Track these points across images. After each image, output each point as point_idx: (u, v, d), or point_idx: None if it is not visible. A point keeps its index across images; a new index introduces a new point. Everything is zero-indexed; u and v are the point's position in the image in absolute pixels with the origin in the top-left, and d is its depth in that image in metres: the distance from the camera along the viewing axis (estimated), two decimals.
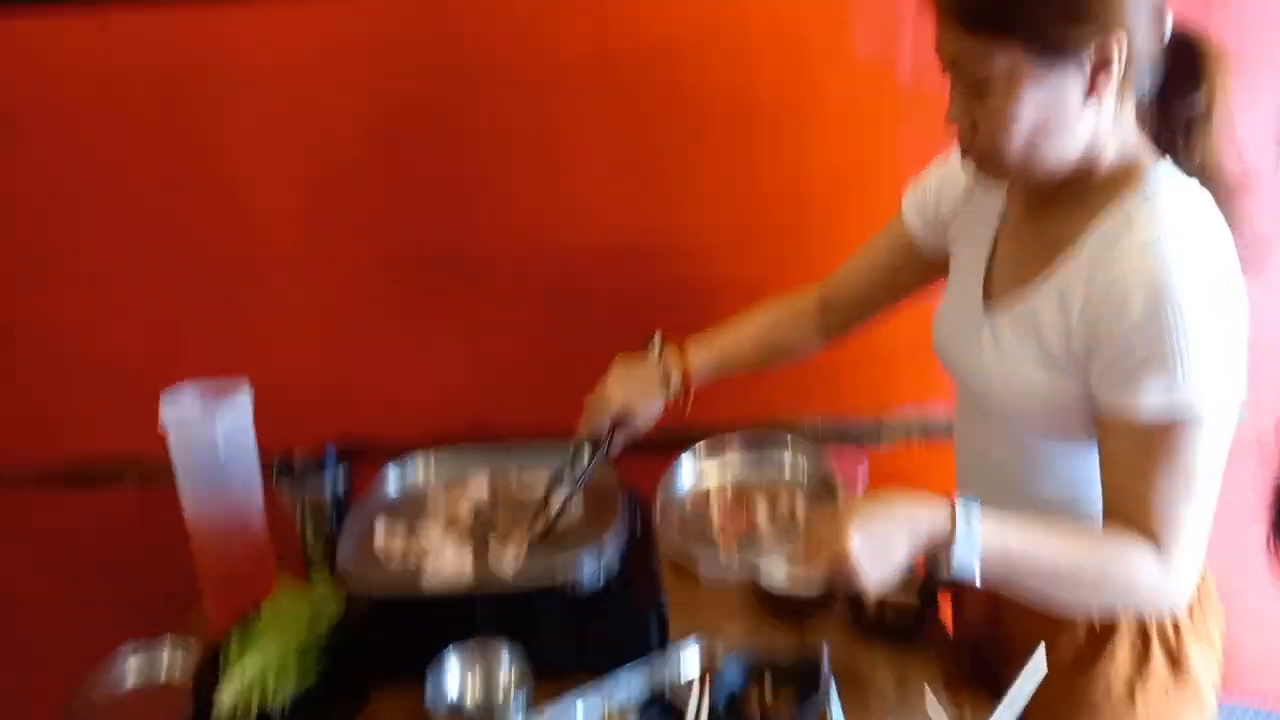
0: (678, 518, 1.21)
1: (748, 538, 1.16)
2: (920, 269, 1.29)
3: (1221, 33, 1.33)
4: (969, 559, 0.95)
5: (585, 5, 1.46)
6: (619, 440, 1.32)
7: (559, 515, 1.31)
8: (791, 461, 1.27)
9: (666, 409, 1.32)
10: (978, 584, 0.96)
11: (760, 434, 1.30)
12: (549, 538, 1.30)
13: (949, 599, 1.30)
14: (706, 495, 1.25)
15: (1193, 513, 0.97)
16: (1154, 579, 0.98)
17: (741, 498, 1.23)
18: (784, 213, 1.57)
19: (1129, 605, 1.07)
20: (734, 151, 1.55)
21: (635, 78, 1.51)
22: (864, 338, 1.62)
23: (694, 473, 1.28)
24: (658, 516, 1.19)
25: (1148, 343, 0.92)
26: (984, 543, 0.95)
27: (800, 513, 1.19)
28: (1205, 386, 0.92)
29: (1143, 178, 0.98)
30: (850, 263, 1.35)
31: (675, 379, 1.32)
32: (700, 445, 1.29)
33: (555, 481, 1.33)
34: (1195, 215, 0.96)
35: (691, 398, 1.33)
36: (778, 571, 1.34)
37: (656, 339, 1.34)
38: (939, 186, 1.23)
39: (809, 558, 0.97)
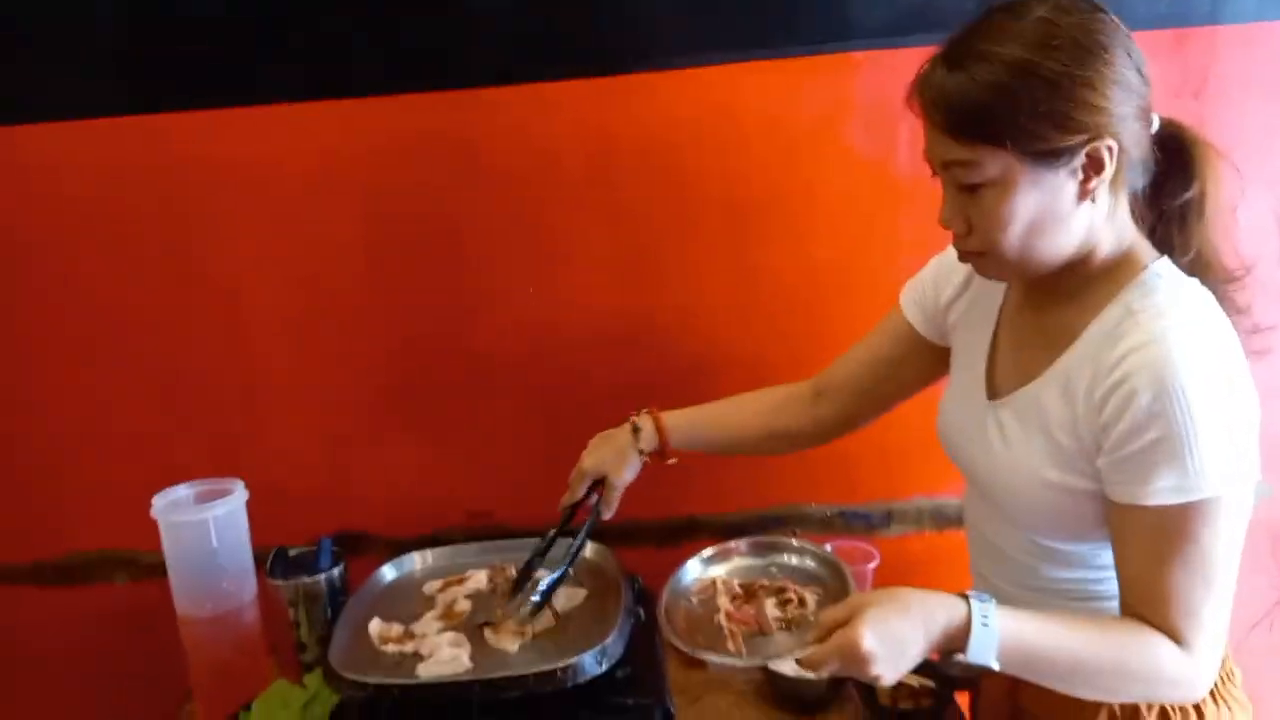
0: (684, 613, 1.17)
1: (757, 632, 1.12)
2: (923, 362, 1.28)
3: (1215, 126, 1.38)
4: (985, 655, 0.92)
5: (579, 102, 1.50)
6: (602, 506, 1.32)
7: (553, 589, 1.29)
8: (799, 561, 1.25)
9: (645, 466, 1.32)
10: (994, 669, 0.93)
11: (768, 540, 1.28)
12: (540, 616, 1.28)
13: (967, 689, 1.25)
14: (713, 590, 1.21)
15: (1211, 599, 0.94)
16: (1175, 669, 0.95)
17: (750, 594, 1.19)
18: (780, 304, 1.57)
19: (1150, 697, 1.03)
20: (729, 244, 1.56)
21: (630, 172, 1.53)
22: (874, 426, 1.61)
23: (700, 571, 1.25)
24: (662, 612, 1.16)
25: (1157, 436, 0.91)
26: (1000, 638, 0.92)
27: (810, 607, 1.15)
28: (1216, 473, 0.91)
29: (1141, 271, 0.99)
30: (847, 354, 1.34)
31: (648, 435, 1.31)
32: (706, 550, 1.27)
33: (536, 556, 1.32)
34: (1196, 307, 0.97)
35: (669, 453, 1.31)
36: (788, 665, 1.31)
37: (634, 416, 1.35)
38: (936, 279, 1.24)
39: (822, 651, 0.94)
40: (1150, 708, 1.05)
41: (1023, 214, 0.95)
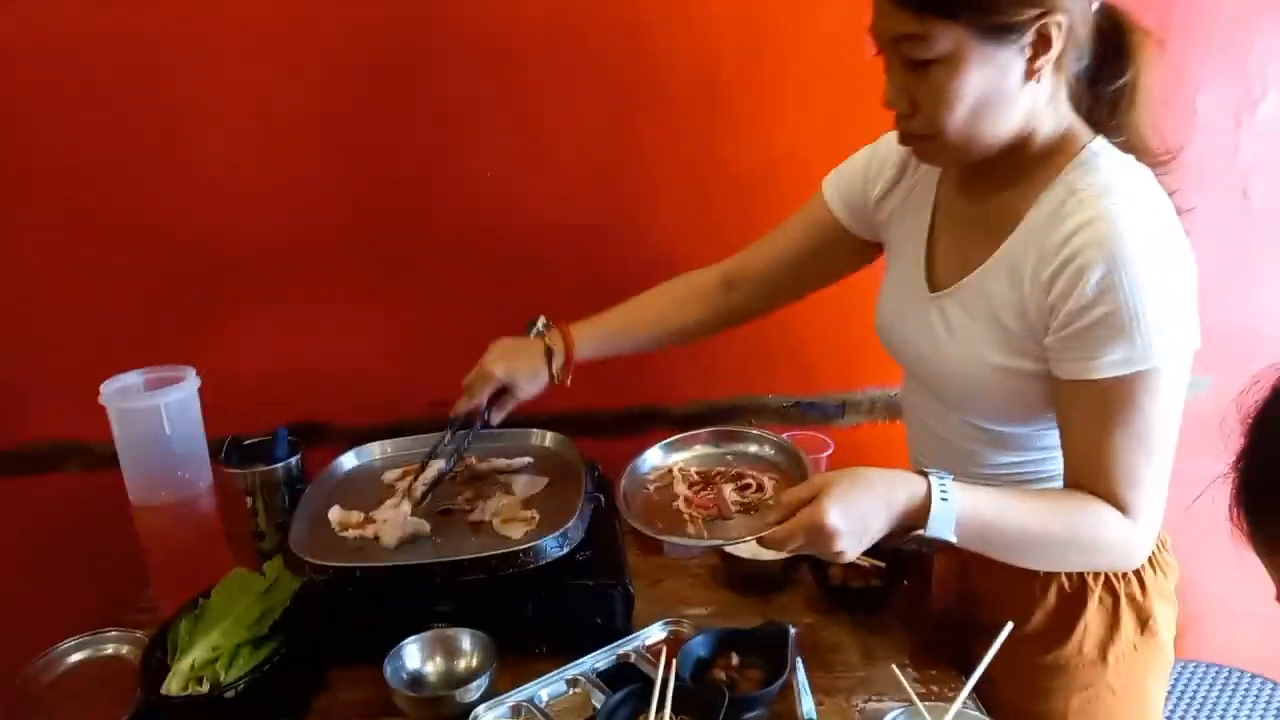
0: (643, 500, 1.18)
1: (716, 516, 1.14)
2: (843, 253, 1.28)
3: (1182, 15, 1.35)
4: (944, 528, 0.96)
5: None
6: (498, 414, 1.35)
7: (434, 487, 1.32)
8: (758, 450, 1.26)
9: (551, 383, 1.33)
10: (953, 542, 0.96)
11: (726, 430, 1.28)
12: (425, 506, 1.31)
13: (917, 572, 1.29)
14: (671, 478, 1.23)
15: (1153, 467, 0.98)
16: (1119, 537, 0.99)
17: (707, 481, 1.21)
18: (749, 188, 1.56)
19: (1095, 565, 1.08)
20: (699, 127, 1.53)
21: (601, 51, 1.49)
22: (829, 319, 1.62)
23: (658, 459, 1.26)
24: (622, 499, 1.17)
25: (1106, 311, 0.93)
26: (958, 512, 0.95)
27: (769, 492, 1.17)
28: (1162, 343, 0.93)
29: (1080, 151, 1.00)
30: (761, 243, 1.34)
31: (558, 353, 1.32)
32: (667, 440, 1.28)
33: (431, 455, 1.35)
34: (1137, 183, 0.98)
35: (571, 371, 1.33)
36: (744, 548, 1.34)
37: (540, 320, 1.35)
38: (866, 172, 1.23)
39: (787, 528, 0.96)
40: (1096, 577, 1.10)
41: (970, 92, 0.95)
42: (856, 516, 0.94)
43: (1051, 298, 0.97)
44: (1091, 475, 0.99)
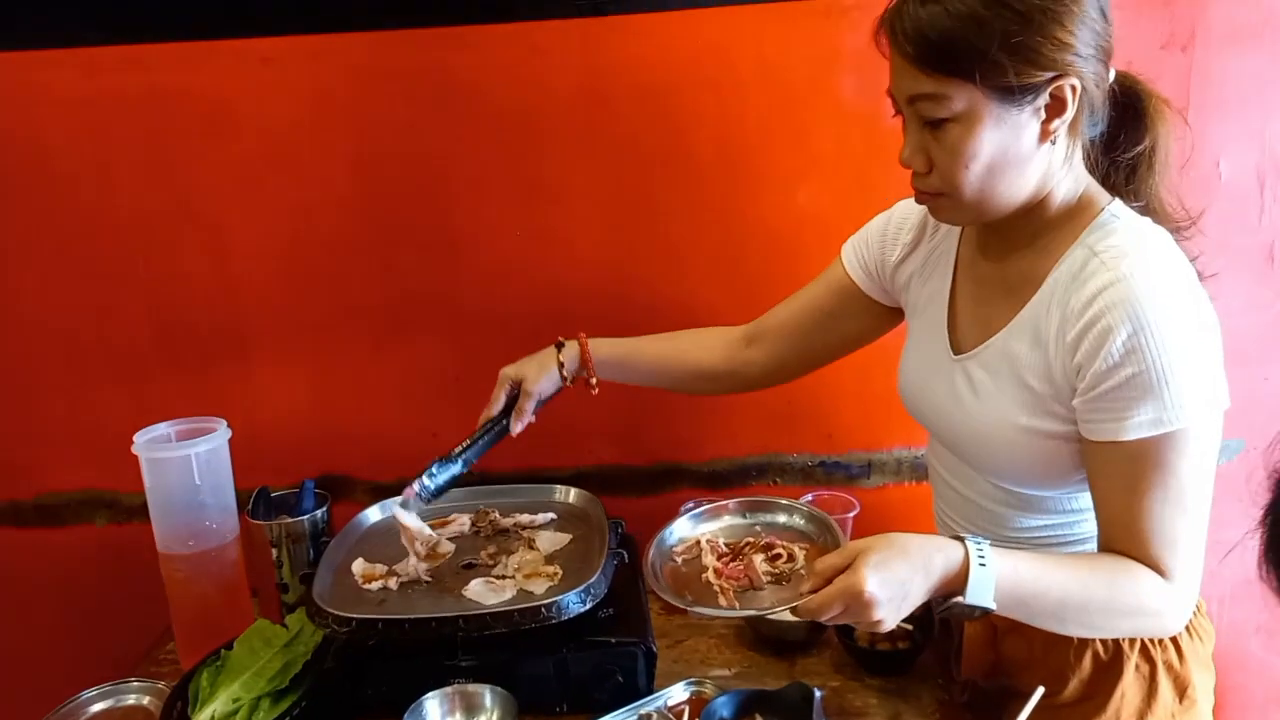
0: (670, 571, 1.16)
1: (747, 587, 1.12)
2: (863, 318, 1.29)
3: (1202, 78, 1.37)
4: (984, 594, 0.94)
5: (575, 44, 1.48)
6: (513, 414, 1.33)
7: (447, 486, 1.31)
8: (787, 520, 1.24)
9: (564, 382, 1.35)
10: (992, 609, 0.95)
11: (754, 500, 1.27)
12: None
13: (946, 636, 1.27)
14: (698, 550, 1.21)
15: (1189, 528, 0.97)
16: (1158, 600, 0.97)
17: (736, 553, 1.19)
18: (772, 251, 1.57)
19: (1135, 630, 1.06)
20: (722, 191, 1.55)
21: (624, 117, 1.52)
22: (854, 378, 1.62)
23: (687, 531, 1.25)
24: (650, 571, 1.14)
25: (1133, 372, 0.93)
26: (997, 578, 0.94)
27: (799, 562, 1.15)
28: (1191, 402, 0.93)
29: (1098, 213, 1.01)
30: (785, 301, 1.35)
31: (571, 354, 1.34)
32: (694, 508, 1.27)
33: (446, 459, 1.33)
34: (1157, 244, 0.98)
35: (591, 376, 1.34)
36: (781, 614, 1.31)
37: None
38: (883, 237, 1.24)
39: (824, 597, 0.94)
40: (1132, 644, 1.08)
41: (985, 152, 0.96)
42: (895, 584, 0.92)
43: (1078, 359, 0.97)
44: (1126, 538, 0.97)
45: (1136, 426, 0.94)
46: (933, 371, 1.15)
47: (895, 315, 1.29)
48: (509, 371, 1.35)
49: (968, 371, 1.09)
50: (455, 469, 1.32)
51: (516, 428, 1.34)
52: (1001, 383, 1.05)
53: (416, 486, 1.28)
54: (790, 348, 1.34)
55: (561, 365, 1.34)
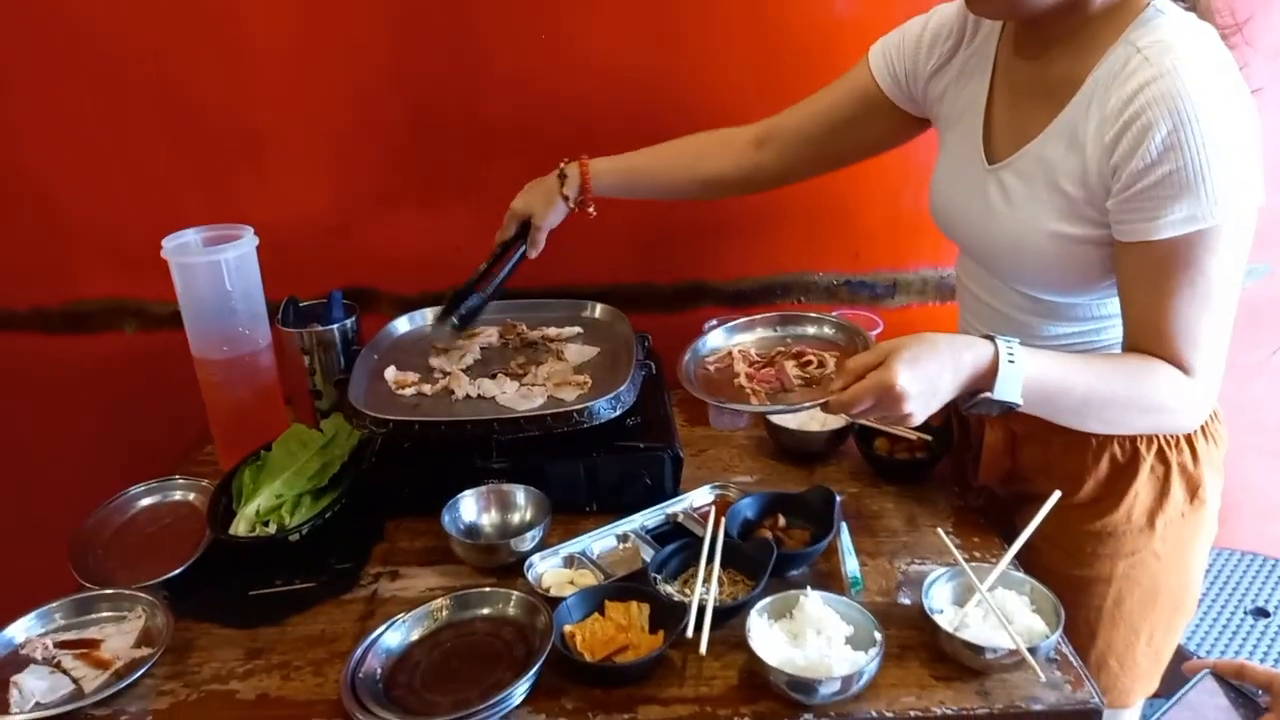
0: (703, 378, 1.17)
1: (779, 390, 1.13)
2: (882, 124, 1.25)
3: None
4: (1012, 390, 0.95)
5: None
6: (528, 244, 1.39)
7: (474, 312, 1.43)
8: (817, 331, 1.24)
9: (569, 208, 1.37)
10: (1018, 405, 0.97)
11: (788, 314, 1.27)
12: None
13: (964, 445, 1.30)
14: (730, 359, 1.21)
15: (1212, 324, 0.97)
16: (1179, 396, 0.99)
17: (769, 361, 1.20)
18: (805, 60, 1.50)
19: (1159, 423, 1.08)
20: None
21: None
22: (883, 196, 1.59)
23: (721, 341, 1.25)
24: (684, 374, 1.16)
25: (1171, 169, 0.91)
26: (1025, 374, 0.95)
27: (830, 367, 1.15)
28: (1226, 200, 0.92)
29: (1142, 10, 0.97)
30: (802, 103, 1.30)
31: (573, 180, 1.35)
32: (729, 323, 1.26)
33: (468, 285, 1.42)
34: (1201, 39, 0.95)
35: (590, 197, 1.36)
36: (792, 419, 1.34)
37: (564, 163, 1.38)
38: (919, 44, 1.18)
39: (856, 390, 0.95)
40: (1150, 446, 1.11)
41: None
42: (925, 378, 0.94)
43: (1115, 159, 0.95)
44: (1151, 336, 0.98)
45: (1169, 225, 0.93)
46: (965, 183, 1.13)
47: (916, 126, 1.25)
48: (516, 205, 1.39)
49: (1001, 181, 1.07)
50: (476, 301, 1.42)
51: (534, 253, 1.39)
52: (1035, 190, 1.04)
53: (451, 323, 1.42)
54: (803, 153, 1.30)
55: (565, 194, 1.35)
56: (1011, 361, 0.95)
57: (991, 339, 0.97)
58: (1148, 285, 0.97)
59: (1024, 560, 1.08)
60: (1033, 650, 0.95)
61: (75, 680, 1.00)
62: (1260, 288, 1.66)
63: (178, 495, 1.31)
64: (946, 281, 1.65)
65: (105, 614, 1.09)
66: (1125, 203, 0.95)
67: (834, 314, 1.26)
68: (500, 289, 1.41)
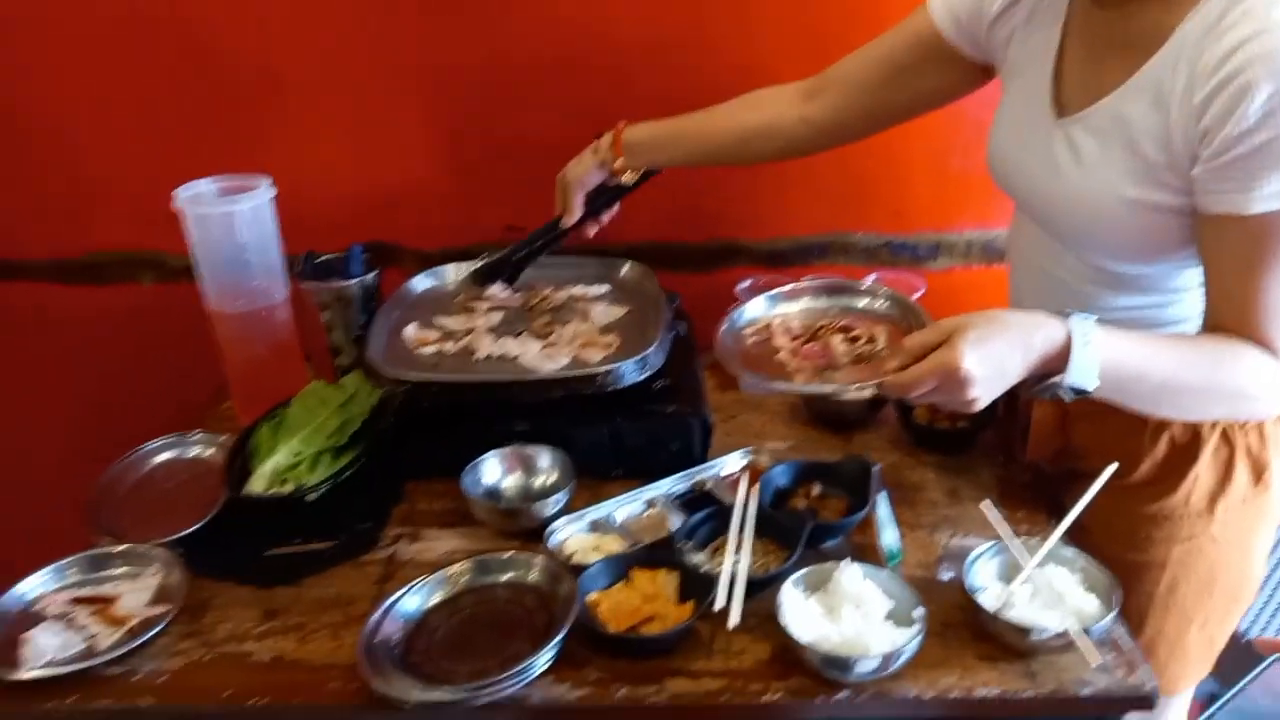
0: (740, 354, 1.09)
1: (825, 367, 1.06)
2: (944, 72, 1.15)
3: None
4: (1087, 375, 0.89)
5: None
6: (569, 205, 1.35)
7: (518, 270, 1.42)
8: (869, 303, 1.16)
9: (608, 174, 1.32)
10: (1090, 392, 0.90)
11: (837, 283, 1.19)
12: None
13: (1011, 419, 1.24)
14: (768, 332, 1.14)
15: None
16: (1260, 381, 0.93)
17: (813, 335, 1.12)
18: (839, 11, 1.43)
19: (1238, 410, 1.01)
20: None
21: None
22: (929, 152, 1.51)
23: (762, 311, 1.17)
24: (720, 350, 1.09)
25: (1270, 137, 0.83)
26: (1100, 357, 0.88)
27: (881, 344, 1.08)
28: None
29: None
30: (853, 55, 1.20)
31: (605, 146, 1.30)
32: (771, 291, 1.18)
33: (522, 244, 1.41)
34: None
35: (617, 169, 1.31)
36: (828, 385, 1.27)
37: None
38: None
39: (917, 372, 0.89)
40: (1213, 427, 1.04)
41: None
42: (992, 361, 0.87)
43: (1205, 123, 0.86)
44: (1237, 315, 0.91)
45: (1265, 198, 0.85)
46: (1030, 136, 1.05)
47: (979, 75, 1.16)
48: (565, 176, 1.34)
49: (1071, 136, 0.99)
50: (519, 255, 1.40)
51: (567, 222, 1.35)
52: (1110, 150, 0.95)
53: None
54: (855, 104, 1.20)
55: (602, 161, 1.30)
56: (1087, 345, 0.88)
57: (1064, 317, 0.89)
58: (1235, 261, 0.90)
59: (1073, 542, 1.02)
60: (1085, 632, 0.89)
61: (89, 638, 0.97)
62: None
63: (195, 450, 1.29)
64: (994, 244, 1.57)
65: (120, 570, 1.06)
66: (1215, 171, 0.87)
67: (869, 279, 1.19)
68: (540, 251, 1.39)
